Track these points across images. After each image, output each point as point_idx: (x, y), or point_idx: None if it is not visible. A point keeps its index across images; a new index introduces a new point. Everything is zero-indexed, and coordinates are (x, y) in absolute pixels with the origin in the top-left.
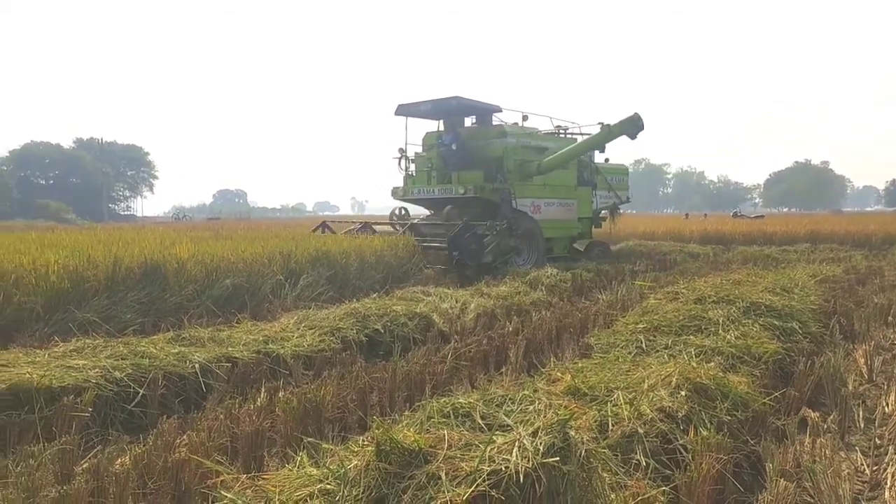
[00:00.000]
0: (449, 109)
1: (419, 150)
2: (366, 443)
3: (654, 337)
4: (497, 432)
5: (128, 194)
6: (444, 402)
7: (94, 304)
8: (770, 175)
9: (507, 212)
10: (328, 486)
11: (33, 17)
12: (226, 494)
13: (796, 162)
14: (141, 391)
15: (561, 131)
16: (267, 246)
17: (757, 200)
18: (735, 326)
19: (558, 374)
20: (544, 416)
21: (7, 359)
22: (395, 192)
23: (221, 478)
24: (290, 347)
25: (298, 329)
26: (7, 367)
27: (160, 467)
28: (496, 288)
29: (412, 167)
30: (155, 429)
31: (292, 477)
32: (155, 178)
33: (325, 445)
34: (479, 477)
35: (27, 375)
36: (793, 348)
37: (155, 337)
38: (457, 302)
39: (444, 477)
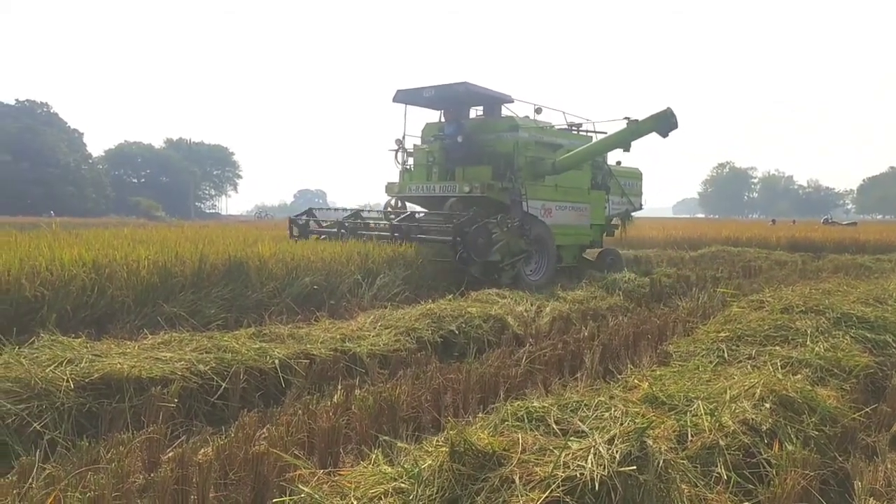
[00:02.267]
0: (455, 97)
1: (418, 142)
2: (440, 443)
3: (737, 346)
4: (572, 438)
5: (213, 193)
6: (518, 405)
7: (180, 298)
8: (864, 180)
9: (518, 214)
10: (402, 485)
11: (128, 24)
12: (303, 488)
13: (892, 167)
14: (223, 384)
15: (574, 128)
16: (345, 246)
17: (850, 206)
18: (824, 338)
19: (635, 381)
20: (621, 424)
21: (100, 349)
22: (390, 189)
23: (299, 472)
24: (366, 346)
25: (375, 328)
26: (100, 358)
27: (241, 459)
28: (572, 292)
29: (410, 161)
30: (236, 421)
31: (367, 474)
32: (239, 177)
33: (399, 444)
34: (554, 483)
35: (118, 366)
36: (885, 362)
37: (237, 332)
38: (531, 305)
39: (517, 481)
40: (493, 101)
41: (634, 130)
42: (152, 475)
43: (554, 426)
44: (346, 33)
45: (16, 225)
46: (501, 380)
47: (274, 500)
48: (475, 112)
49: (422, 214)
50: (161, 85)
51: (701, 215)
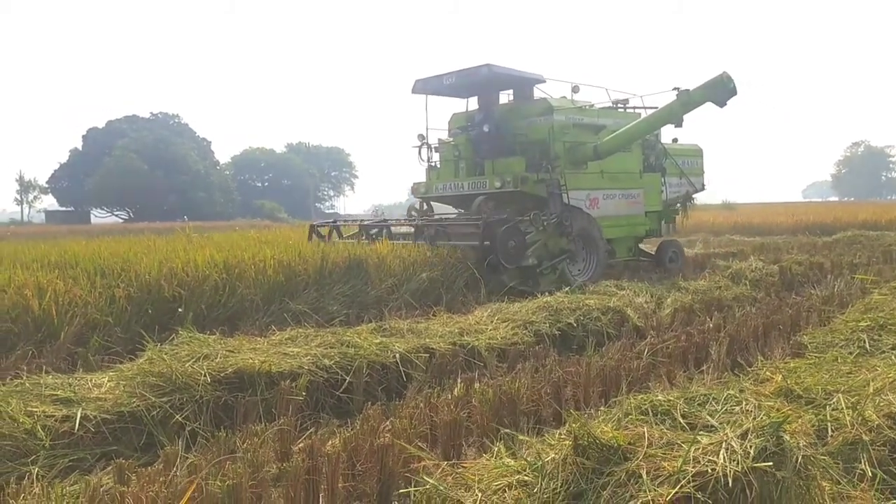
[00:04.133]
0: (479, 82)
1: (445, 135)
2: (563, 436)
3: (880, 336)
4: (701, 432)
5: (332, 193)
6: (642, 398)
7: (304, 296)
8: None
9: (558, 208)
10: (526, 478)
11: (249, 38)
12: (428, 480)
13: None
14: (348, 378)
15: (620, 105)
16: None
17: None
18: None
19: (767, 373)
20: (754, 418)
21: (233, 345)
22: (416, 189)
23: (423, 463)
24: (484, 340)
25: (492, 322)
26: (234, 353)
27: (366, 450)
28: (694, 282)
29: (436, 157)
30: (361, 414)
31: (490, 466)
32: (356, 177)
33: (521, 437)
34: (684, 478)
35: (250, 361)
36: None
37: (359, 327)
38: (651, 297)
39: (644, 476)
40: (524, 83)
41: (686, 102)
42: (285, 465)
43: (681, 420)
44: (461, 34)
45: (154, 230)
46: (623, 373)
47: (400, 491)
48: (507, 98)
49: (450, 216)
50: (280, 92)
51: (834, 198)
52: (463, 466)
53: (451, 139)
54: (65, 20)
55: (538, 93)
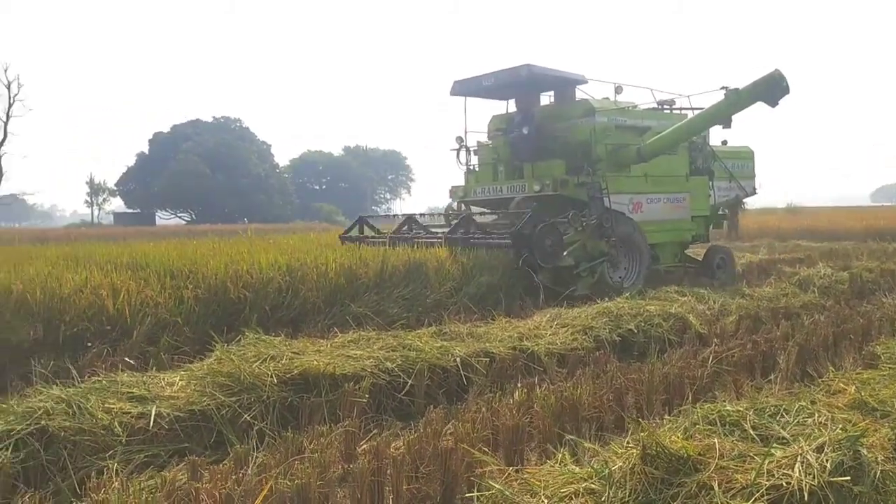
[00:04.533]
0: (518, 82)
1: (484, 138)
2: (629, 445)
3: None
4: (774, 445)
5: (388, 196)
6: (709, 408)
7: (365, 299)
8: None
9: (599, 212)
10: (593, 486)
11: (308, 45)
12: (494, 484)
13: None
14: (409, 381)
15: (666, 107)
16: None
17: None
18: None
19: (840, 384)
20: (829, 431)
21: (298, 347)
22: (455, 193)
23: (488, 468)
24: (543, 345)
25: (551, 327)
26: (298, 355)
27: (430, 453)
28: (759, 289)
29: (475, 160)
30: (423, 417)
31: (555, 473)
32: (412, 180)
33: (585, 444)
34: (757, 491)
35: (315, 363)
36: None
37: (419, 331)
38: (715, 303)
39: (716, 487)
40: (565, 84)
41: (734, 101)
42: (350, 466)
43: (751, 431)
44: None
45: (216, 232)
46: (687, 381)
47: (465, 495)
48: (548, 99)
49: (483, 217)
50: (338, 95)
51: None
52: (527, 472)
53: (490, 142)
54: (136, 32)
55: (580, 94)
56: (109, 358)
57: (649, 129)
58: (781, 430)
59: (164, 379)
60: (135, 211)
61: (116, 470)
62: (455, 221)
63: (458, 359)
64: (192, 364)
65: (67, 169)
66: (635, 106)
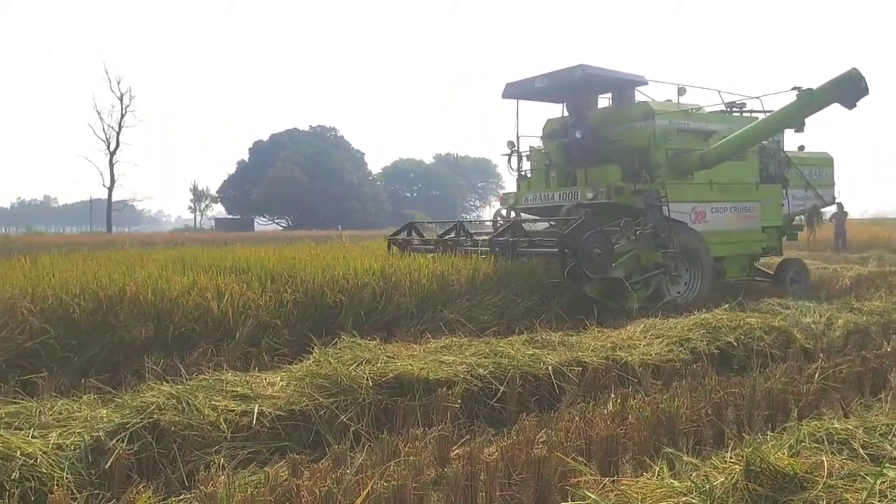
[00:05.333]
0: (572, 84)
1: (538, 142)
2: (732, 460)
3: None
4: (887, 465)
5: (478, 204)
6: (816, 425)
7: (457, 305)
8: None
9: (657, 220)
10: (692, 501)
11: (401, 56)
12: (589, 494)
13: None
14: (501, 388)
15: (735, 109)
16: None
17: None
18: None
19: None
20: None
21: (392, 351)
22: (506, 200)
23: (582, 478)
24: (637, 355)
25: (645, 337)
26: (393, 359)
27: (523, 461)
28: (868, 303)
29: (527, 166)
30: (515, 424)
31: (653, 486)
32: (502, 188)
33: (684, 458)
34: None
35: (409, 367)
36: None
37: (511, 338)
38: (820, 317)
39: None
40: (623, 86)
41: (808, 102)
42: (444, 470)
43: (861, 451)
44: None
45: (312, 238)
46: (791, 397)
47: None
48: (607, 102)
49: (534, 225)
50: (430, 105)
51: None
52: (623, 484)
53: (542, 146)
54: (241, 46)
55: (640, 96)
56: (214, 357)
57: (715, 133)
58: (894, 451)
59: (265, 379)
60: (235, 217)
61: (222, 464)
62: (501, 227)
63: (550, 367)
64: (291, 365)
65: (173, 176)
66: (699, 108)
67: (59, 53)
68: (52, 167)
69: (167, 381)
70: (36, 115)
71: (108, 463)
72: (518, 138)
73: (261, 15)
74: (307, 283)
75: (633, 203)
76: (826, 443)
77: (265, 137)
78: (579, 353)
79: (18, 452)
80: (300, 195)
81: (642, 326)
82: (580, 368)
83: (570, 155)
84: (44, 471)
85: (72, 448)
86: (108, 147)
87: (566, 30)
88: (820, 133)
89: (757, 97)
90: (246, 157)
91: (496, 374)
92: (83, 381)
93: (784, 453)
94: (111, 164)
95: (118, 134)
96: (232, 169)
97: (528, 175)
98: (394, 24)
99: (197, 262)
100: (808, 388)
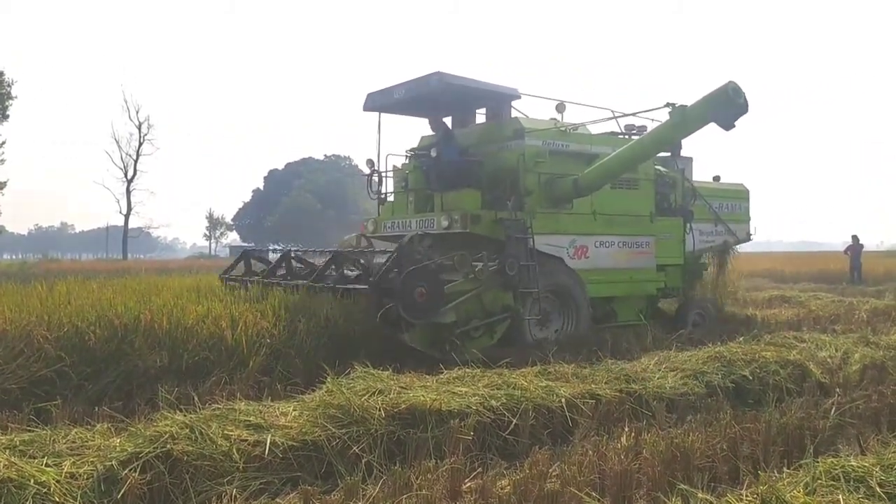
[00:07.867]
0: (430, 94)
1: (405, 160)
2: (748, 498)
3: None
4: None
5: None
6: (833, 462)
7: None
8: None
9: (520, 255)
10: None
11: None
12: None
13: None
14: (514, 420)
15: (633, 132)
16: None
17: None
18: None
19: None
20: None
21: (405, 382)
22: (366, 227)
23: None
24: (651, 388)
25: (659, 370)
26: (406, 390)
27: (536, 495)
28: (886, 337)
29: (390, 188)
30: (528, 457)
31: None
32: None
33: (699, 495)
34: None
35: (422, 398)
36: None
37: (524, 370)
38: (836, 350)
39: None
40: (492, 98)
41: (678, 123)
42: (457, 503)
43: (878, 489)
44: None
45: None
46: (807, 432)
47: None
48: (482, 116)
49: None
50: None
51: None
52: None
53: (405, 167)
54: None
55: (515, 112)
56: (227, 386)
57: (598, 157)
58: None
59: (278, 408)
60: (249, 245)
61: (234, 496)
62: (326, 261)
63: (563, 399)
64: (304, 395)
65: (188, 203)
66: (583, 127)
67: (80, 82)
68: (70, 194)
69: (180, 410)
70: (55, 141)
71: (121, 493)
72: (379, 157)
73: (280, 47)
74: (320, 313)
75: (494, 234)
76: (843, 480)
77: (280, 166)
78: (593, 386)
79: (32, 481)
80: (314, 223)
81: (657, 359)
82: (593, 401)
83: (428, 177)
84: (57, 500)
85: (85, 477)
86: (126, 175)
87: (567, 31)
88: (835, 163)
89: (633, 114)
90: (261, 185)
91: (509, 406)
92: (97, 409)
93: (800, 491)
94: (128, 192)
95: (136, 162)
96: (247, 197)
97: (389, 199)
98: (409, 58)
99: (211, 289)
100: (825, 424)
